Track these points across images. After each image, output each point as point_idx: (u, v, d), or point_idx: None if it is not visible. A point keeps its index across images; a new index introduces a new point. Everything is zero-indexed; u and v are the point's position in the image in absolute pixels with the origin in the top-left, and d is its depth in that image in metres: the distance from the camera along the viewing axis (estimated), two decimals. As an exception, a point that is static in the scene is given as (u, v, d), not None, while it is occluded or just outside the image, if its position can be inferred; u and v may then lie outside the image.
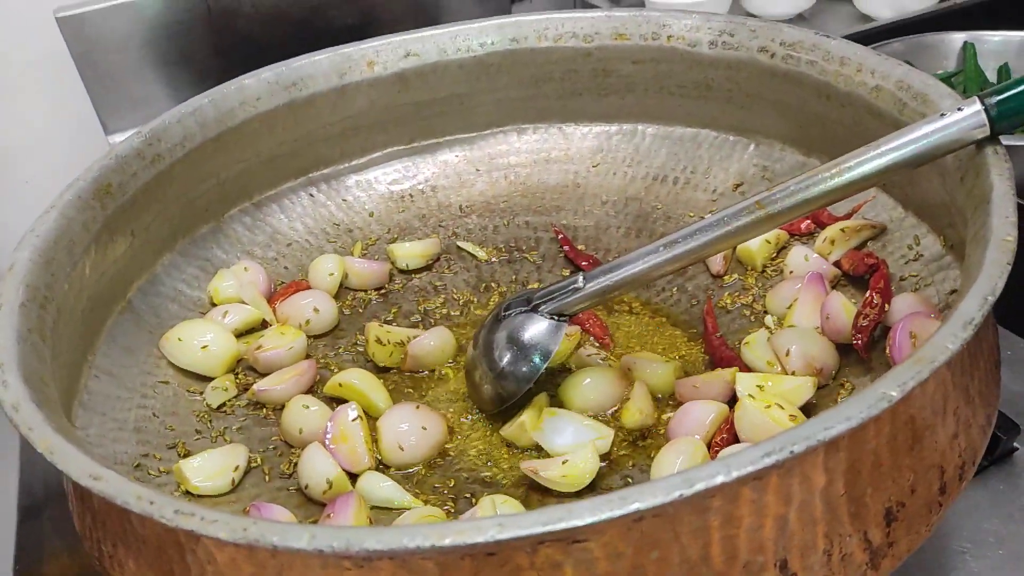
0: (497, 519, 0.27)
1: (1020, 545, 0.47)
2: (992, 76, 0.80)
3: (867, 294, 0.50)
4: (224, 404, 0.53)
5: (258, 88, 0.61)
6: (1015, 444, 0.53)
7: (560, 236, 0.65)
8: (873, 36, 0.89)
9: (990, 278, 0.33)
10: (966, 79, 0.80)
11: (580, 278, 0.48)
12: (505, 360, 0.49)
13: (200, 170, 0.59)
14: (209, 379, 0.54)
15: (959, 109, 0.41)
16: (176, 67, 0.98)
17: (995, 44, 0.81)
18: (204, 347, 0.54)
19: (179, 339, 0.54)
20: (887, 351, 0.47)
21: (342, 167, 0.69)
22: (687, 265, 0.48)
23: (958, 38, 0.83)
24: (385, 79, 0.66)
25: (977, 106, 0.41)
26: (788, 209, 0.44)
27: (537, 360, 0.49)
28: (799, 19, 0.95)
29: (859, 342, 0.48)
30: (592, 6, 1.08)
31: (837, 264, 0.55)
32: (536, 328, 0.49)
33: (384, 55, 0.66)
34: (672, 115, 0.67)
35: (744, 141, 0.65)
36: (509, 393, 0.50)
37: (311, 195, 0.68)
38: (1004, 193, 0.38)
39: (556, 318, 0.49)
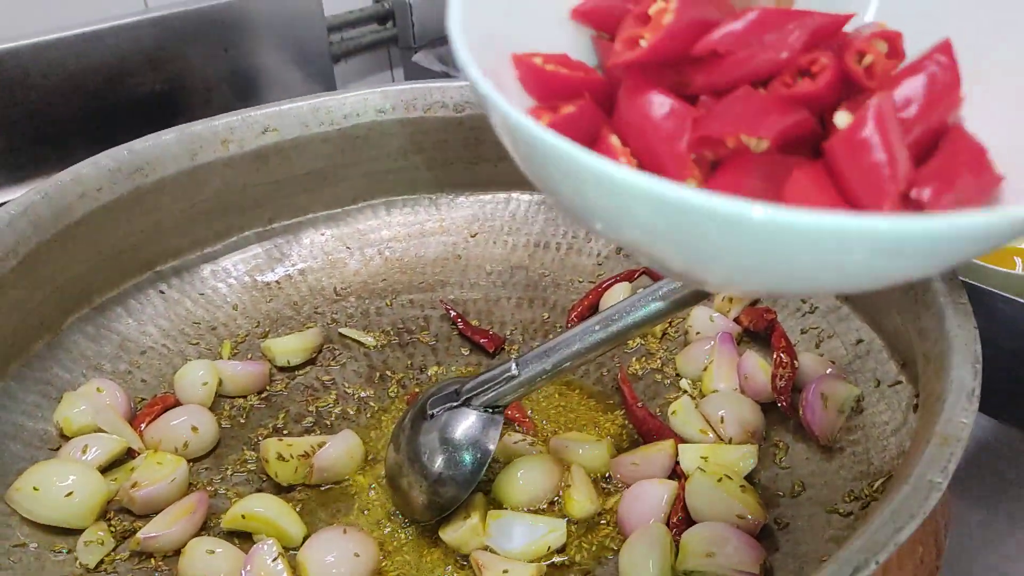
0: None
1: None
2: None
3: (774, 355, 0.51)
4: (102, 561, 0.44)
5: (98, 177, 0.53)
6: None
7: (452, 313, 0.61)
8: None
9: (968, 344, 0.34)
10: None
11: (513, 365, 0.45)
12: (439, 463, 0.45)
13: (35, 277, 0.50)
14: (77, 531, 0.45)
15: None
16: (-50, 148, 0.84)
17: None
18: (69, 494, 0.44)
19: (34, 488, 0.44)
20: (800, 413, 0.48)
21: (193, 256, 0.62)
22: (622, 341, 0.47)
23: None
24: (241, 158, 0.60)
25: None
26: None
27: (477, 460, 0.45)
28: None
29: (783, 403, 0.48)
30: (423, 70, 1.06)
31: (737, 320, 0.56)
32: (470, 424, 0.45)
33: (240, 132, 0.59)
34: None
35: (621, 203, 0.65)
36: (448, 500, 0.45)
37: (161, 292, 0.60)
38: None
39: (490, 411, 0.46)
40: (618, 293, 0.59)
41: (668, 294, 0.43)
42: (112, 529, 0.46)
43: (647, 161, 0.27)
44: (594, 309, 0.60)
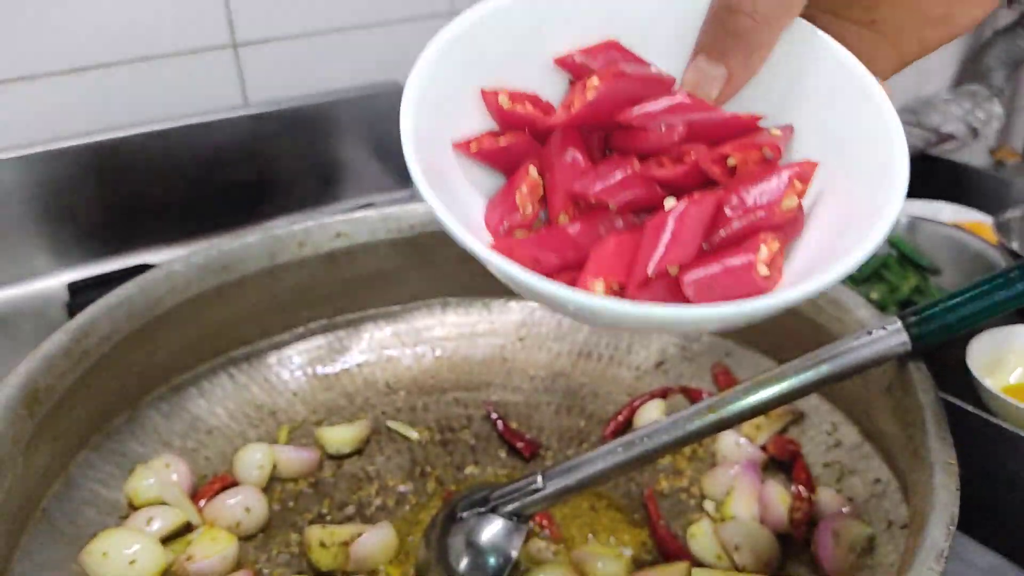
0: None
1: None
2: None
3: (793, 487, 0.53)
4: (155, 627, 0.48)
5: (188, 274, 0.60)
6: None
7: (493, 416, 0.65)
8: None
9: (946, 506, 0.36)
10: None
11: (539, 478, 0.49)
12: (463, 566, 0.49)
13: (124, 361, 0.56)
14: (136, 597, 0.50)
15: (883, 328, 0.46)
16: (60, 222, 0.93)
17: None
18: (132, 562, 0.49)
19: (104, 553, 0.49)
20: (812, 548, 0.50)
21: (262, 344, 0.67)
22: (645, 464, 0.50)
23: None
24: (314, 259, 0.66)
25: (899, 325, 0.46)
26: (736, 415, 0.47)
27: (498, 565, 0.48)
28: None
29: (798, 536, 0.51)
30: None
31: (763, 448, 0.58)
32: (495, 530, 0.49)
33: (315, 236, 0.66)
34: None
35: (662, 321, 0.69)
36: (470, 601, 0.48)
37: (231, 376, 0.65)
38: (935, 414, 0.42)
39: (515, 519, 0.49)
40: (651, 410, 0.62)
41: (692, 422, 0.47)
42: (166, 598, 0.50)
43: (548, 190, 0.35)
44: (628, 425, 0.63)
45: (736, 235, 0.32)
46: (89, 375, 0.53)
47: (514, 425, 0.65)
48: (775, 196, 0.32)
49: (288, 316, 0.68)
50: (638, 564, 0.53)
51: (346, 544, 0.53)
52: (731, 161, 0.33)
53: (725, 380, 0.63)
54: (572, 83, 0.37)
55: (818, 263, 0.31)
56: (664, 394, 0.65)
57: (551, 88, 0.37)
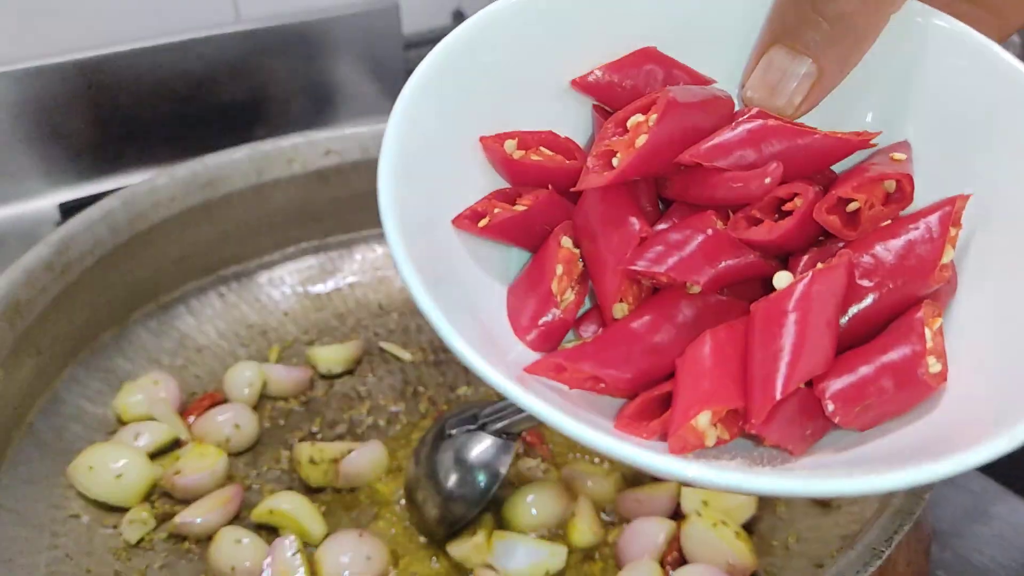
0: None
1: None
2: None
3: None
4: (142, 539, 0.48)
5: (172, 188, 0.58)
6: None
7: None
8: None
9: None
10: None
11: (528, 397, 0.48)
12: (452, 482, 0.48)
13: (108, 276, 0.55)
14: (123, 509, 0.50)
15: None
16: (50, 141, 0.91)
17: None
18: (119, 476, 0.49)
19: (90, 467, 0.49)
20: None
21: (252, 264, 0.66)
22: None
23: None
24: (304, 176, 0.64)
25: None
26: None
27: (486, 482, 0.48)
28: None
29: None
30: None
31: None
32: (484, 448, 0.48)
33: (304, 153, 0.64)
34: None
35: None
36: (457, 517, 0.48)
37: (221, 295, 0.64)
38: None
39: (504, 436, 0.49)
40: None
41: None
42: (154, 510, 0.50)
43: (592, 267, 0.26)
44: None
45: (880, 314, 0.24)
46: (72, 289, 0.52)
47: (507, 347, 0.64)
48: (928, 252, 0.23)
49: (278, 235, 0.67)
50: (628, 482, 0.53)
51: (336, 461, 0.53)
52: (852, 206, 0.24)
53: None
54: (598, 109, 0.29)
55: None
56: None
57: (568, 118, 0.29)
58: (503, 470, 0.48)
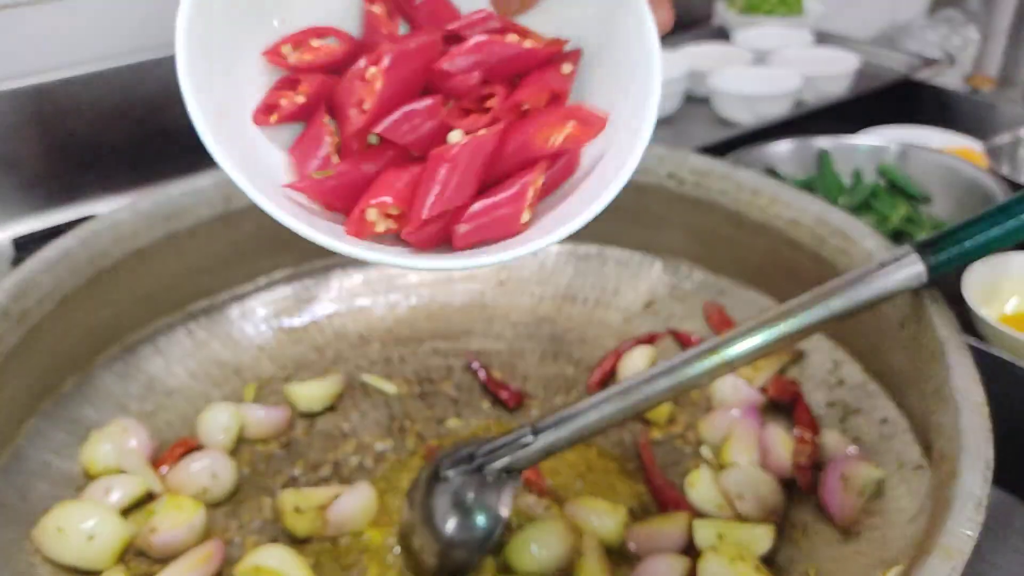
0: None
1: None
2: (847, 180, 0.87)
3: (796, 431, 0.51)
4: (118, 606, 0.45)
5: (134, 223, 0.54)
6: None
7: (477, 367, 0.61)
8: (736, 142, 0.93)
9: (979, 450, 0.33)
10: (824, 184, 0.85)
11: (528, 432, 0.45)
12: (452, 528, 0.45)
13: (70, 320, 0.51)
14: (96, 573, 0.46)
15: (896, 259, 0.43)
16: (2, 173, 0.87)
17: (847, 149, 0.87)
18: (90, 537, 0.45)
19: (58, 529, 0.45)
20: (819, 493, 0.47)
21: (222, 297, 0.63)
22: (641, 413, 0.47)
23: (809, 144, 0.89)
24: (275, 203, 0.61)
25: (915, 256, 0.42)
26: (741, 356, 0.43)
27: (488, 526, 0.45)
28: (662, 123, 0.99)
29: (803, 482, 0.48)
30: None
31: (762, 390, 0.55)
32: (484, 489, 0.45)
33: (274, 178, 0.60)
34: (576, 232, 0.66)
35: (649, 259, 0.65)
36: (458, 564, 0.45)
37: (190, 331, 0.61)
38: (958, 350, 0.39)
39: (504, 475, 0.46)
40: (637, 357, 0.59)
41: (685, 368, 0.43)
42: (129, 572, 0.46)
43: (343, 135, 0.34)
44: (613, 374, 0.59)
45: (509, 172, 0.33)
46: (31, 337, 0.48)
47: (497, 375, 0.61)
48: (547, 135, 0.33)
49: (249, 265, 0.63)
50: (634, 516, 0.50)
51: (323, 508, 0.50)
52: (525, 106, 0.33)
53: (719, 320, 0.60)
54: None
55: (579, 203, 0.32)
56: (651, 340, 0.61)
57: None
58: (505, 512, 0.45)
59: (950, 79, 1.56)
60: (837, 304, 0.42)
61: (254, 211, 0.61)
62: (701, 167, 0.58)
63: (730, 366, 0.43)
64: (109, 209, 0.88)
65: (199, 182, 0.58)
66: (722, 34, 1.22)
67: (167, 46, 0.89)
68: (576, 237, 0.69)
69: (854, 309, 0.42)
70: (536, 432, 0.45)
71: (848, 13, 1.42)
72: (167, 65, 0.93)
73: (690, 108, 1.01)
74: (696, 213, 0.59)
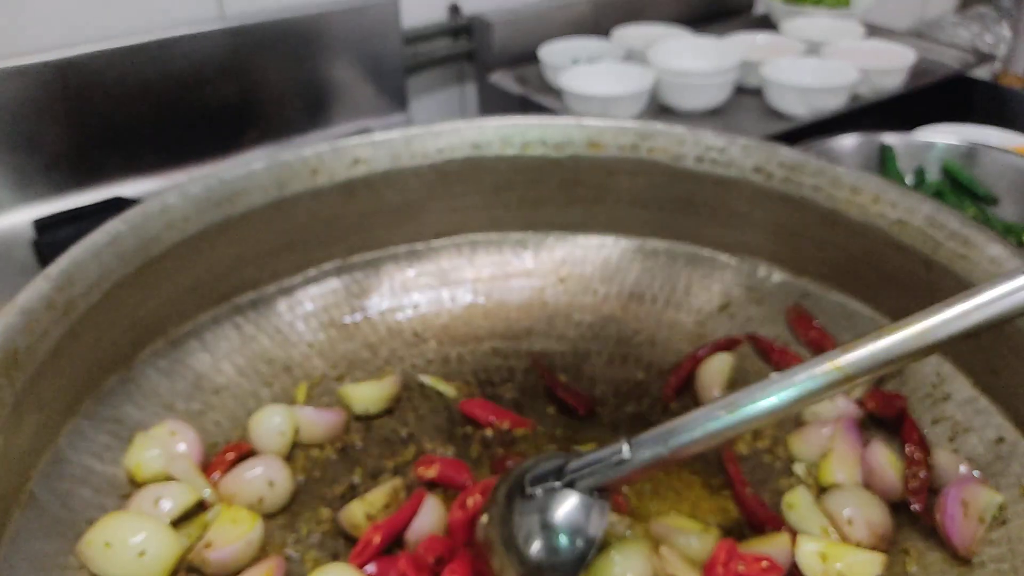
0: None
1: None
2: (909, 179, 0.83)
3: (906, 449, 0.47)
4: (173, 629, 0.41)
5: (185, 207, 0.50)
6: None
7: (543, 374, 0.57)
8: (790, 136, 0.89)
9: None
10: (888, 181, 0.82)
11: (624, 448, 0.41)
12: (538, 550, 0.41)
13: (116, 312, 0.47)
14: (147, 593, 0.42)
15: (1038, 266, 0.39)
16: (23, 150, 0.82)
17: (913, 146, 0.84)
18: (141, 553, 0.41)
19: (106, 544, 0.41)
20: (937, 517, 0.43)
21: (270, 289, 0.59)
22: (747, 431, 0.43)
23: (871, 139, 0.85)
24: (330, 189, 0.57)
25: (1062, 264, 0.38)
26: (865, 371, 0.39)
27: (581, 550, 0.41)
28: (712, 114, 0.95)
29: (918, 507, 0.44)
30: (500, 91, 1.03)
31: (860, 403, 0.51)
32: (575, 509, 0.41)
33: (330, 163, 0.56)
34: (644, 227, 0.62)
35: (723, 257, 0.61)
36: (546, 591, 0.41)
37: (237, 326, 0.57)
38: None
39: (596, 494, 0.42)
40: (716, 365, 0.55)
41: (815, 379, 0.39)
42: (183, 592, 0.43)
43: None
44: (690, 379, 0.56)
45: None
46: (76, 330, 0.44)
47: (562, 378, 0.57)
48: None
49: (299, 255, 0.59)
50: (727, 535, 0.46)
51: (387, 507, 0.46)
52: None
53: (804, 325, 0.56)
54: None
55: None
56: (730, 345, 0.57)
57: None
58: (598, 535, 0.41)
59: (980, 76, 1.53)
60: (978, 317, 0.38)
61: (308, 198, 0.57)
62: (792, 161, 0.54)
63: (851, 380, 0.39)
64: (132, 192, 0.84)
65: (253, 165, 0.53)
66: (766, 23, 1.18)
67: (197, 21, 0.85)
68: (642, 231, 0.65)
69: (995, 321, 0.38)
70: (634, 447, 0.41)
71: (878, 7, 1.38)
72: (196, 42, 0.88)
73: (741, 99, 0.97)
74: (783, 210, 0.55)
